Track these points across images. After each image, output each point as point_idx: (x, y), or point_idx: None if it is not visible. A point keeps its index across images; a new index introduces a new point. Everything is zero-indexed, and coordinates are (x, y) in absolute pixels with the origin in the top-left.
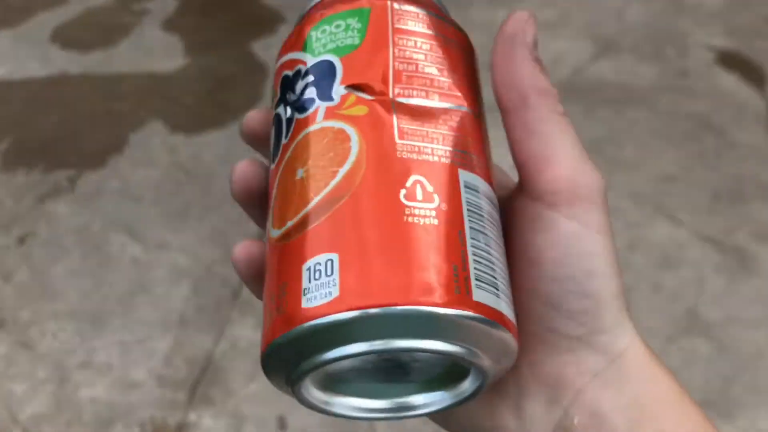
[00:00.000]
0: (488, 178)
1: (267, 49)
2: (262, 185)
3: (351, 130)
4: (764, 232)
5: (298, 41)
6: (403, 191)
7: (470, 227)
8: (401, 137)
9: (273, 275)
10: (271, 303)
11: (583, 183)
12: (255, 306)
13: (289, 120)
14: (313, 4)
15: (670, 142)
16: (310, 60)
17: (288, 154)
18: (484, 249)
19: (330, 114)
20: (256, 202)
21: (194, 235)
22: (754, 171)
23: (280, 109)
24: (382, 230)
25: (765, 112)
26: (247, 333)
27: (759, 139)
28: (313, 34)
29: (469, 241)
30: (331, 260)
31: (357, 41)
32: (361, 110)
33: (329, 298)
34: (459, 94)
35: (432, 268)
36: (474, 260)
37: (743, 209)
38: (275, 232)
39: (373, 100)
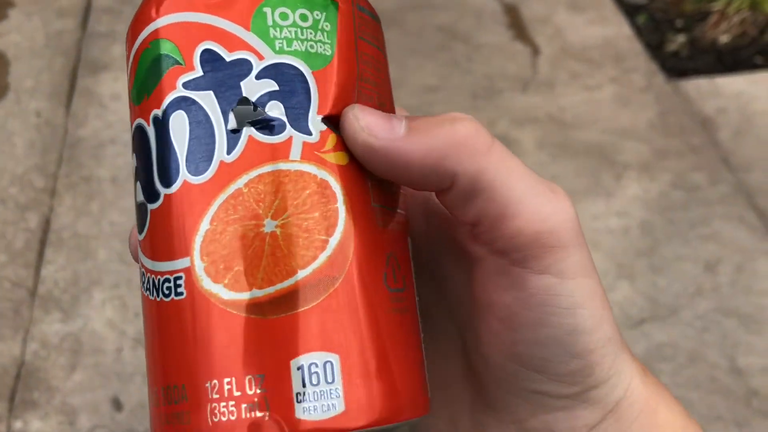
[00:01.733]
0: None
1: (0, 36)
2: None
3: (337, 186)
4: (520, 117)
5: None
6: (385, 274)
7: (419, 309)
8: (375, 199)
9: (228, 355)
10: (223, 387)
11: (550, 228)
12: (57, 299)
13: (235, 132)
14: None
15: (425, 56)
16: (269, 55)
17: (241, 184)
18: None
19: (309, 154)
20: None
21: None
22: (500, 66)
23: (199, 96)
24: (379, 329)
25: (500, 12)
26: (56, 327)
27: (499, 37)
28: (269, 13)
29: (421, 329)
30: (331, 363)
31: (329, 51)
32: (342, 158)
33: (333, 413)
34: None
35: (418, 373)
36: (425, 350)
37: (499, 101)
38: (229, 294)
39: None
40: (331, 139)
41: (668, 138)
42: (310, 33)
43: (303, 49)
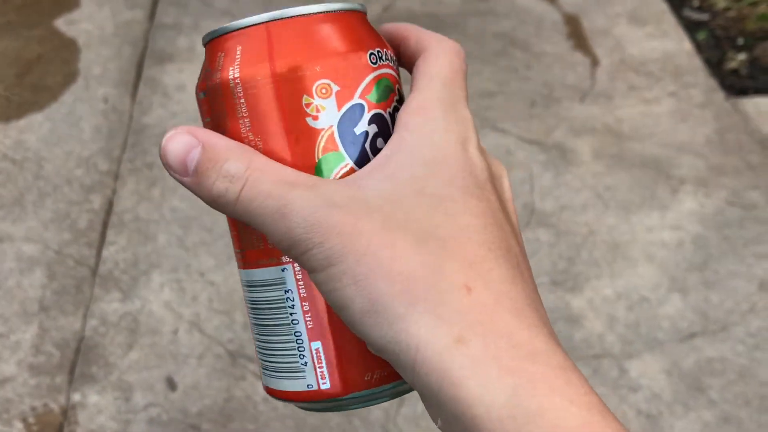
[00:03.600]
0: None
1: (72, 24)
2: None
3: None
4: (577, 126)
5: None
6: None
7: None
8: None
9: None
10: None
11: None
12: (116, 279)
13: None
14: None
15: (484, 62)
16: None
17: None
18: (264, 340)
19: None
20: None
21: (36, 221)
22: (560, 75)
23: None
24: None
25: (560, 22)
26: (114, 306)
27: (559, 46)
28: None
29: (256, 342)
30: None
31: None
32: None
33: None
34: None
35: None
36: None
37: (557, 110)
38: None
39: None
40: None
41: (726, 155)
42: None
43: None
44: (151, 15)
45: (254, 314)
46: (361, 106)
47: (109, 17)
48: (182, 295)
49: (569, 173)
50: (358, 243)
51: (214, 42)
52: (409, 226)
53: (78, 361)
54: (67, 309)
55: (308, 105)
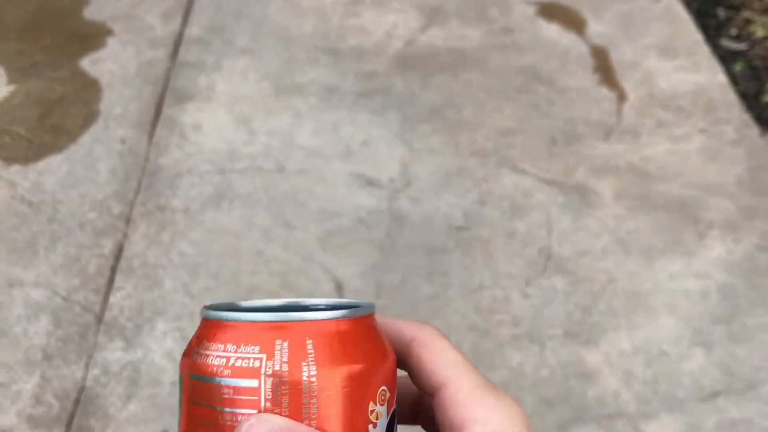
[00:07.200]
0: None
1: (96, 64)
2: None
3: None
4: (599, 165)
5: None
6: None
7: None
8: None
9: None
10: None
11: None
12: (121, 326)
13: None
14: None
15: (505, 97)
16: None
17: None
18: None
19: None
20: None
21: (47, 266)
22: (584, 111)
23: None
24: None
25: (587, 55)
26: (117, 355)
27: (585, 80)
28: None
29: None
30: None
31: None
32: None
33: None
34: None
35: None
36: None
37: (579, 148)
38: None
39: None
40: None
41: (758, 196)
42: None
43: None
44: (174, 54)
45: None
46: (395, 410)
47: (133, 56)
48: (184, 345)
49: (589, 216)
50: None
51: (272, 325)
52: None
53: (76, 413)
54: (70, 357)
55: (372, 411)
